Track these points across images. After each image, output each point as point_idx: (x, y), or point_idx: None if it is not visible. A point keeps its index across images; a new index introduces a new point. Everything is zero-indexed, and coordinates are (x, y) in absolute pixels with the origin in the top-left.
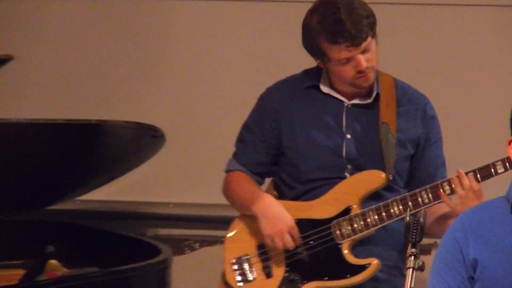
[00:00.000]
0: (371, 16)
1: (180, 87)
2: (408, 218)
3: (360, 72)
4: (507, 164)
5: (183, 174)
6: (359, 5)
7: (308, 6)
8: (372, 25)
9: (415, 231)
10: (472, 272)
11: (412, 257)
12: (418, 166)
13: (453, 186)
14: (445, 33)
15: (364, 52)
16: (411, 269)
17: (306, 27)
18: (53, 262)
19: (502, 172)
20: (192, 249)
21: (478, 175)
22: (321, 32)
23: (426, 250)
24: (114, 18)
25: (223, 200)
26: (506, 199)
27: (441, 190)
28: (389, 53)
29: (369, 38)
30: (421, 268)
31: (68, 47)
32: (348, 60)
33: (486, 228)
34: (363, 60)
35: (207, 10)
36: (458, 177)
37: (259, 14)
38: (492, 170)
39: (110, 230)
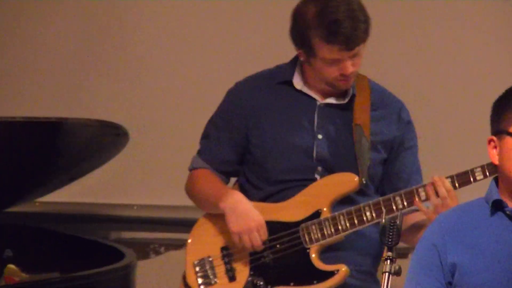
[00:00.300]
0: (368, 21)
1: (144, 85)
2: (384, 221)
3: (343, 76)
4: (486, 171)
5: (148, 174)
6: (358, 7)
7: None
8: (367, 30)
9: (391, 234)
10: (450, 277)
11: (388, 261)
12: (391, 171)
13: (429, 193)
14: (430, 29)
15: (353, 56)
16: (387, 274)
17: (300, 16)
18: (11, 267)
19: (481, 179)
20: (157, 253)
21: (456, 182)
22: (316, 27)
23: (403, 254)
24: (75, 14)
25: (189, 202)
26: (485, 201)
27: (416, 197)
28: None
29: (362, 44)
30: (397, 273)
31: (29, 45)
32: (335, 61)
33: (465, 231)
34: (350, 65)
35: (171, 5)
36: (433, 184)
37: (225, 7)
38: (471, 177)
39: (71, 233)
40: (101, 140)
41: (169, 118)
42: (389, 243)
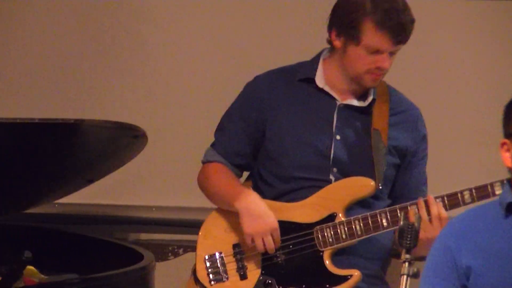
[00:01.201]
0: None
1: (162, 84)
2: (402, 223)
3: (378, 69)
4: (474, 195)
5: (166, 175)
6: (409, 10)
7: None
8: (411, 34)
9: (409, 236)
10: (465, 280)
11: (407, 263)
12: (401, 180)
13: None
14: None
15: (392, 54)
16: (405, 276)
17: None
18: (30, 268)
19: (469, 203)
20: (176, 254)
21: (475, 193)
22: (373, 12)
23: (421, 256)
24: (92, 13)
25: (209, 204)
26: (499, 203)
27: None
28: None
29: (404, 44)
30: (415, 275)
31: (45, 44)
32: (377, 52)
33: (479, 233)
34: (387, 60)
35: (189, 3)
36: (426, 201)
37: (244, 7)
38: (490, 190)
39: (89, 235)
40: (119, 142)
41: (188, 118)
42: (407, 245)
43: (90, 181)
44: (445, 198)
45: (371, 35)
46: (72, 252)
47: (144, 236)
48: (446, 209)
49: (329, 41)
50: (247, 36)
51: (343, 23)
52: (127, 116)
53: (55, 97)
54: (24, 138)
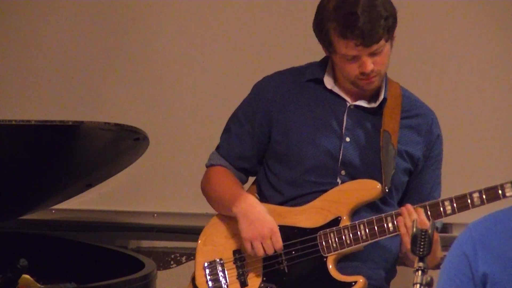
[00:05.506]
0: (391, 18)
1: (165, 87)
2: (414, 230)
3: (364, 74)
4: (484, 196)
5: (168, 181)
6: (380, 2)
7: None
8: (389, 28)
9: (422, 243)
10: None
11: (420, 271)
12: (414, 186)
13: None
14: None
15: (373, 54)
16: (418, 285)
17: (320, 9)
18: (25, 277)
19: (511, 196)
20: (178, 262)
21: (484, 196)
22: (333, 21)
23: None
24: (92, 15)
25: (212, 210)
26: None
27: (441, 209)
28: None
29: (382, 41)
30: (429, 284)
31: (44, 46)
32: (354, 58)
33: (497, 240)
34: (369, 62)
35: (189, 5)
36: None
37: (246, 8)
38: (500, 192)
39: (88, 242)
40: (119, 145)
41: (190, 122)
42: (420, 253)
43: (89, 186)
44: (454, 200)
45: (338, 45)
46: (70, 260)
47: (145, 243)
48: (455, 212)
49: None
50: (254, 38)
51: (317, 34)
52: (129, 118)
53: (56, 99)
54: (20, 141)
